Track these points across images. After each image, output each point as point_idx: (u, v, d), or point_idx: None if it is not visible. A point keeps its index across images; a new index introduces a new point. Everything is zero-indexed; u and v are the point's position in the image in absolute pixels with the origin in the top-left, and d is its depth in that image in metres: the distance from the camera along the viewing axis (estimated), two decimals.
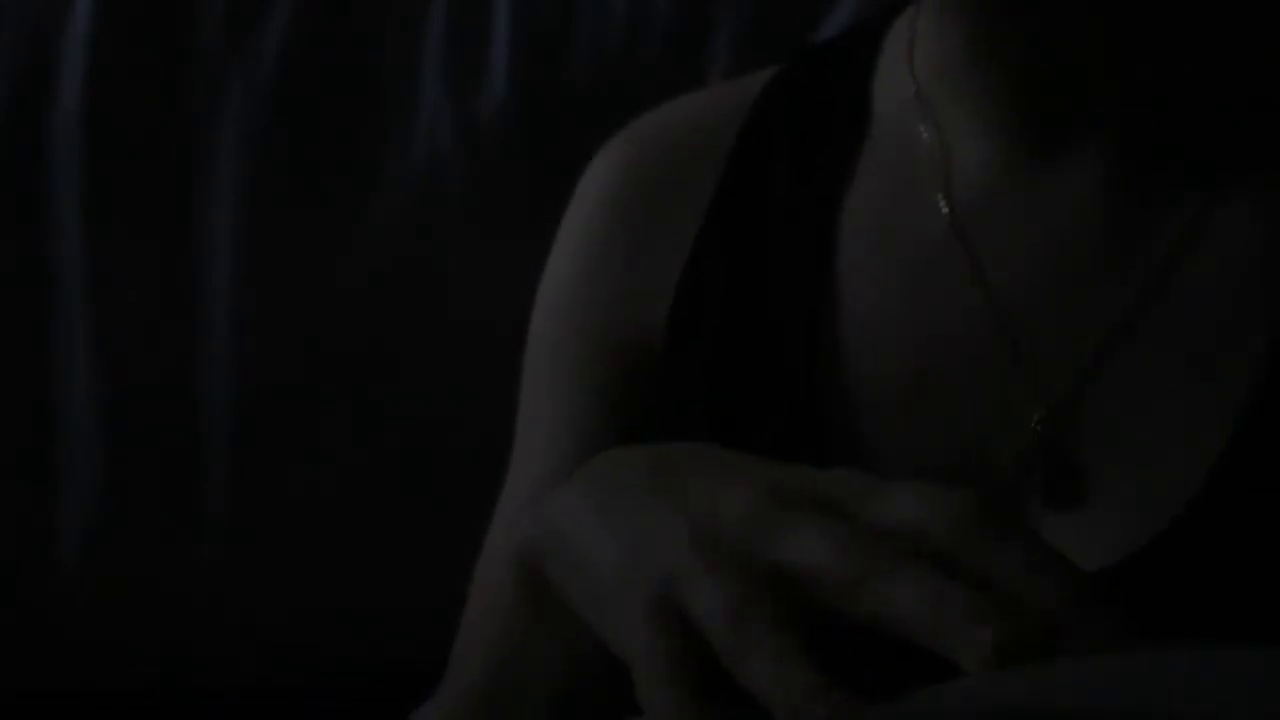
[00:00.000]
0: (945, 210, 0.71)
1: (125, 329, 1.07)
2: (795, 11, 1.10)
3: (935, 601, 0.47)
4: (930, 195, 0.72)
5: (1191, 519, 0.65)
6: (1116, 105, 0.69)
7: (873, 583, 0.48)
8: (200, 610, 1.07)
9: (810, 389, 0.72)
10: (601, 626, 0.54)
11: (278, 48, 1.10)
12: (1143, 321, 0.68)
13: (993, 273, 0.70)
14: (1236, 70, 0.70)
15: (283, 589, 1.07)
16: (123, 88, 1.09)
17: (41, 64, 1.09)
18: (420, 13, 1.12)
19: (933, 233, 0.71)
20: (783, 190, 0.76)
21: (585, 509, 0.57)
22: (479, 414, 0.91)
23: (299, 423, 1.07)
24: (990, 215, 0.71)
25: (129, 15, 1.10)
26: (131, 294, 1.08)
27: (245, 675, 1.08)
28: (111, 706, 1.08)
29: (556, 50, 1.10)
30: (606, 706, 0.57)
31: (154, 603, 1.07)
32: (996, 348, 0.69)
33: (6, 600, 1.06)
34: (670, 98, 0.86)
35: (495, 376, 0.85)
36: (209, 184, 1.09)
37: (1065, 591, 0.47)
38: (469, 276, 1.08)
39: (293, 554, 1.07)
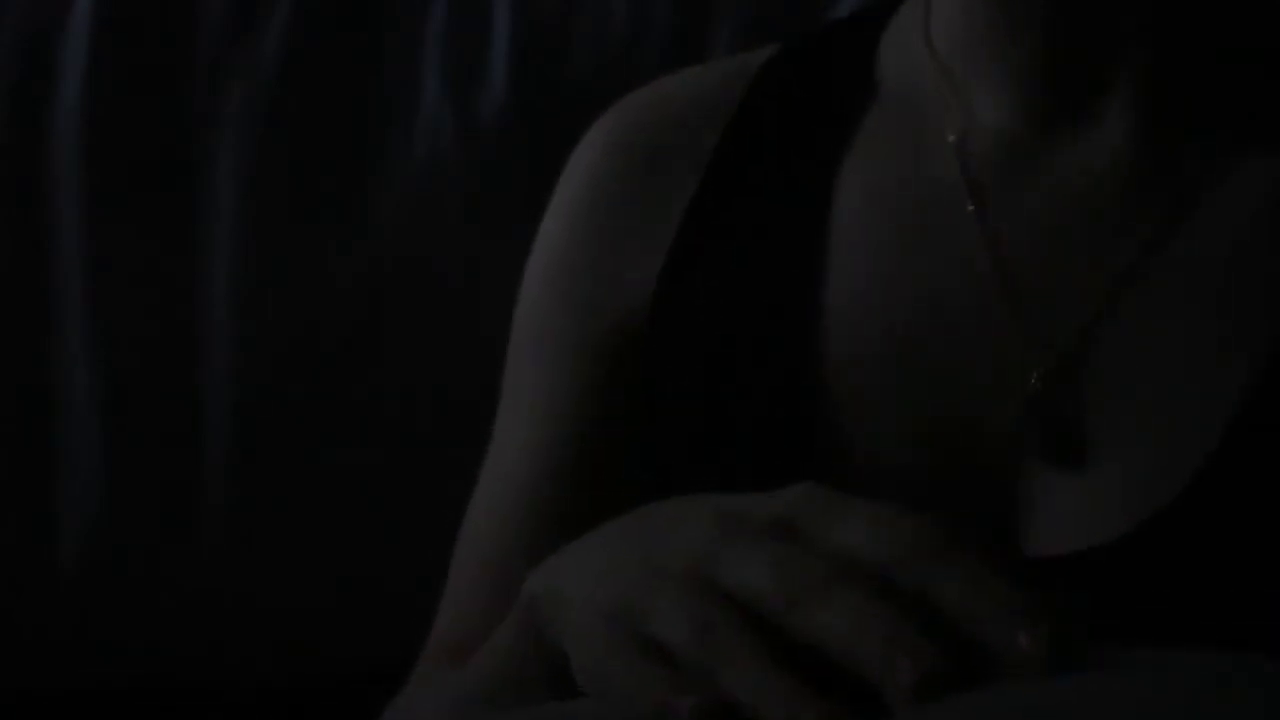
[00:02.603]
0: (954, 171, 0.71)
1: (125, 329, 1.08)
2: (795, 11, 1.10)
3: (860, 628, 0.48)
4: (937, 157, 0.72)
5: (1199, 490, 0.64)
6: (1136, 72, 0.69)
7: (806, 606, 0.49)
8: (200, 610, 1.07)
9: (804, 349, 0.71)
10: (575, 663, 0.56)
11: (278, 48, 1.10)
12: (1150, 283, 0.68)
13: (998, 227, 0.70)
14: (1253, 40, 0.70)
15: (283, 588, 1.07)
16: (123, 88, 1.09)
17: (41, 64, 1.10)
18: (420, 13, 1.12)
19: (937, 193, 0.71)
20: (779, 156, 0.76)
21: (574, 557, 0.59)
22: (479, 412, 0.91)
23: (299, 422, 1.07)
24: (1001, 176, 0.71)
25: (129, 15, 1.10)
26: (131, 294, 1.08)
27: (245, 674, 1.08)
28: (111, 706, 1.08)
29: (556, 50, 1.10)
30: None
31: (154, 602, 1.07)
32: (999, 306, 0.69)
33: (6, 600, 1.06)
34: None
35: (495, 375, 0.85)
36: (209, 184, 1.09)
37: (1004, 615, 0.47)
38: (469, 276, 1.08)
39: (293, 553, 1.07)
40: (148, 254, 1.08)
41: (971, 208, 0.70)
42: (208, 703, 1.08)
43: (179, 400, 1.07)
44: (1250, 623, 0.61)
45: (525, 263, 0.84)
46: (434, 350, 1.08)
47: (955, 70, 0.73)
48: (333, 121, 1.10)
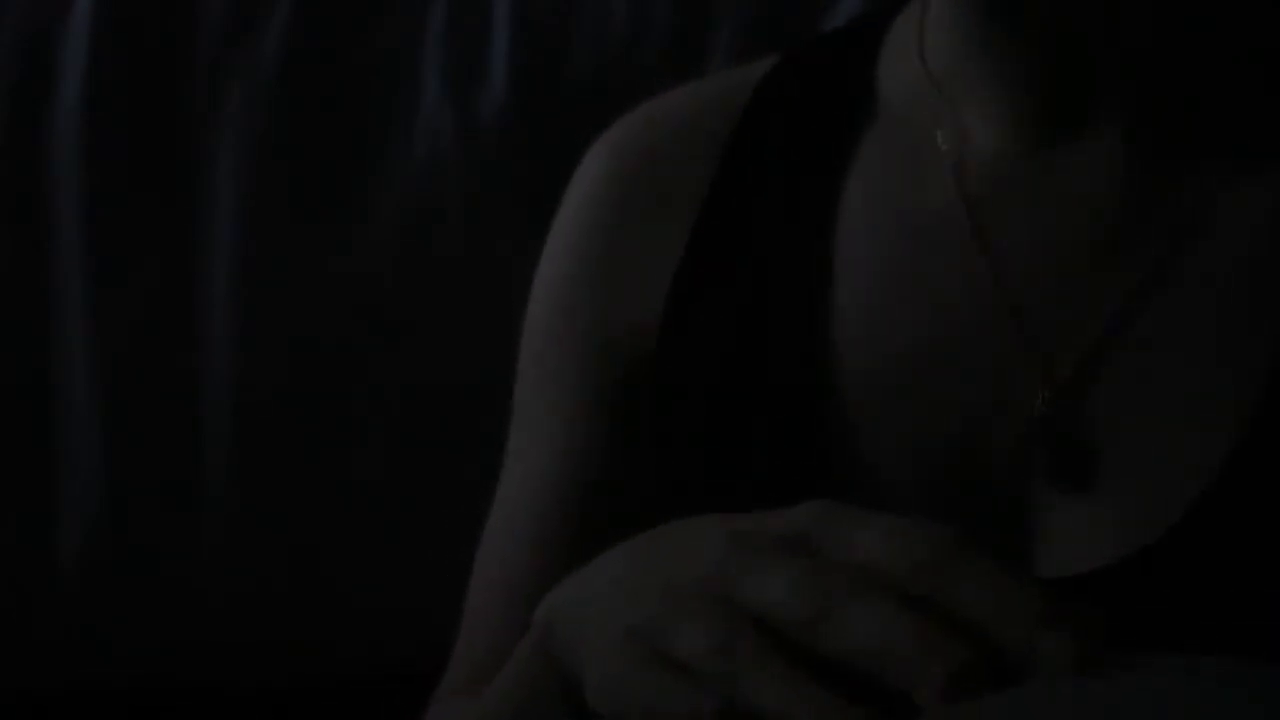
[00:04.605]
0: (953, 189, 0.71)
1: (125, 329, 1.08)
2: (796, 11, 1.10)
3: (887, 635, 0.48)
4: (937, 175, 0.72)
5: (1204, 510, 0.64)
6: (1131, 91, 0.69)
7: (830, 619, 0.49)
8: (200, 610, 1.07)
9: (810, 371, 0.71)
10: (590, 684, 0.55)
11: (278, 48, 1.10)
12: (1154, 304, 0.67)
13: (999, 250, 0.70)
14: (1249, 57, 0.70)
15: (283, 588, 1.07)
16: (123, 88, 1.09)
17: (41, 64, 1.10)
18: (420, 13, 1.12)
19: (939, 212, 0.71)
20: (782, 174, 0.76)
21: (587, 580, 0.59)
22: (479, 412, 0.91)
23: (299, 422, 1.07)
24: (1000, 195, 0.70)
25: (129, 15, 1.10)
26: (131, 294, 1.08)
27: (246, 673, 1.08)
28: (111, 706, 1.08)
29: (556, 50, 1.10)
30: None
31: (154, 602, 1.07)
32: (1002, 326, 0.69)
33: (6, 600, 1.06)
34: None
35: (495, 375, 0.85)
36: (209, 184, 1.09)
37: (1026, 620, 0.47)
38: (469, 276, 1.08)
39: (293, 553, 1.07)
40: (148, 254, 1.08)
41: (970, 228, 0.70)
42: (208, 703, 1.08)
43: (179, 400, 1.07)
44: (1254, 644, 0.61)
45: (525, 263, 0.84)
46: (434, 350, 1.08)
47: (949, 88, 0.73)
48: (333, 121, 1.10)
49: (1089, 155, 0.69)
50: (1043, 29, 0.68)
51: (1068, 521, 0.67)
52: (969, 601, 0.48)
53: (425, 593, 1.00)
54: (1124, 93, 0.69)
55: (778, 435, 0.71)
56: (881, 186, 0.73)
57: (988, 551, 0.50)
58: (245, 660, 1.08)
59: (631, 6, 1.11)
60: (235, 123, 1.09)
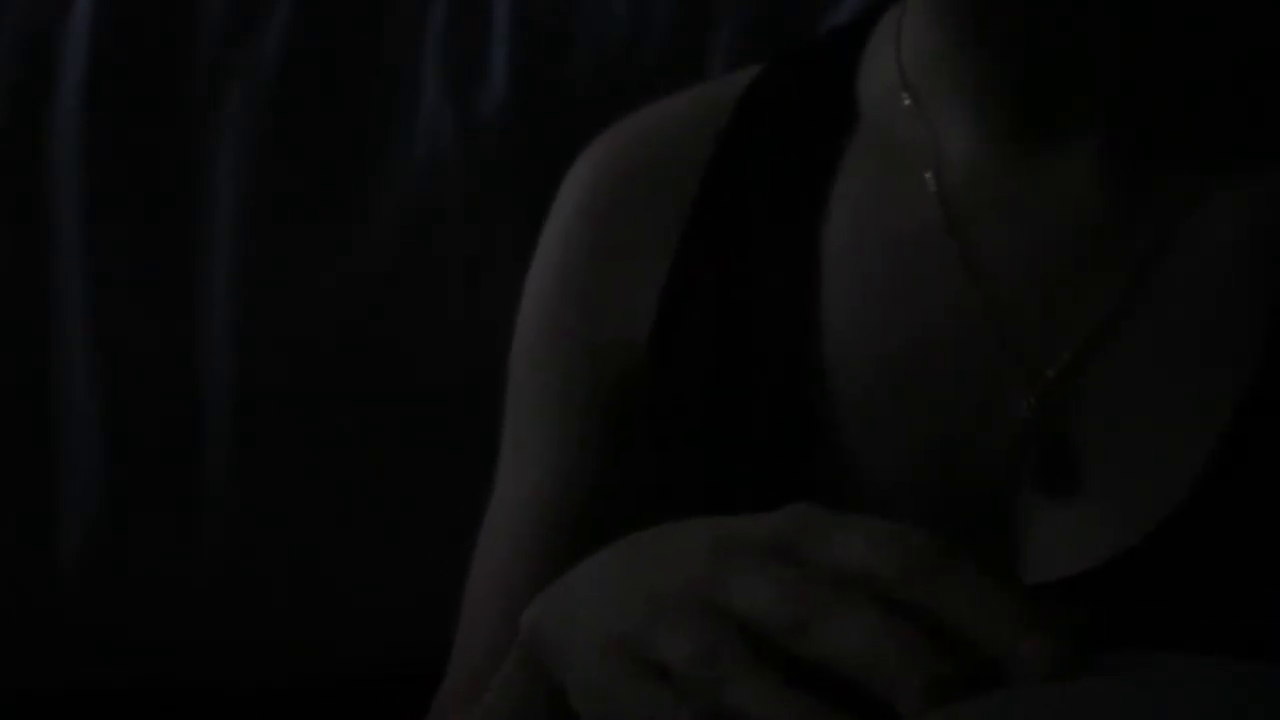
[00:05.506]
0: (935, 199, 0.71)
1: (125, 329, 1.08)
2: (795, 11, 1.10)
3: (870, 642, 0.48)
4: (918, 185, 0.72)
5: (1191, 510, 0.64)
6: (1106, 99, 0.69)
7: (814, 625, 0.49)
8: (200, 610, 1.07)
9: (800, 382, 0.72)
10: (574, 690, 0.56)
11: (277, 48, 1.10)
12: (1136, 309, 0.67)
13: (982, 260, 0.70)
14: (1224, 63, 0.70)
15: (283, 588, 1.07)
16: (123, 88, 1.09)
17: (41, 64, 1.10)
18: (420, 13, 1.12)
19: (921, 222, 0.71)
20: (767, 187, 0.76)
21: (571, 586, 0.59)
22: (479, 412, 0.91)
23: (299, 422, 1.07)
24: (980, 204, 0.70)
25: (129, 15, 1.10)
26: (131, 293, 1.08)
27: (245, 674, 1.08)
28: (112, 706, 1.08)
29: (556, 50, 1.10)
30: None
31: (154, 602, 1.07)
32: (987, 334, 0.69)
33: (6, 600, 1.06)
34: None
35: (495, 376, 0.85)
36: (209, 184, 1.09)
37: (1007, 624, 0.48)
38: (469, 276, 1.08)
39: (293, 553, 1.07)
40: (148, 254, 1.08)
41: (951, 233, 0.70)
42: (208, 703, 1.08)
43: (179, 400, 1.07)
44: (1246, 644, 0.61)
45: (525, 263, 0.84)
46: (434, 350, 1.08)
47: (923, 94, 0.73)
48: (333, 121, 1.10)
49: (1065, 161, 0.69)
50: (1014, 33, 0.68)
51: (1056, 523, 0.67)
52: (952, 606, 0.48)
53: (425, 593, 1.00)
54: (1097, 102, 0.69)
55: (769, 439, 0.72)
56: (864, 196, 0.74)
57: (971, 555, 0.50)
58: (245, 660, 1.08)
59: (631, 6, 1.11)
60: (235, 123, 1.09)
